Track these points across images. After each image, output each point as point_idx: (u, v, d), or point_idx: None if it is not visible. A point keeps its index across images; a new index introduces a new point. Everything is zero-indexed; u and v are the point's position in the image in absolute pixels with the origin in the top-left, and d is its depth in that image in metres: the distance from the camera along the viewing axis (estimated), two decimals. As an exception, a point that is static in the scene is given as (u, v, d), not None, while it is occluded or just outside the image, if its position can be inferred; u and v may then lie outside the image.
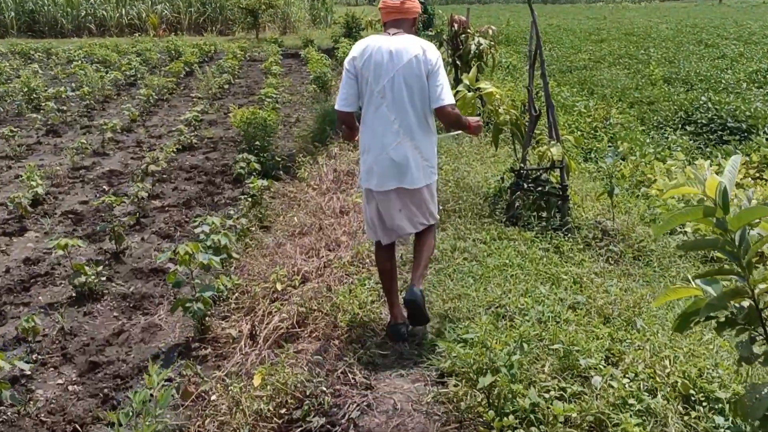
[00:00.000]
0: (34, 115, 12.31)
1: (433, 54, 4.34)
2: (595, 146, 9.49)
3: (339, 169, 8.04)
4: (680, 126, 10.54)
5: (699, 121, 10.43)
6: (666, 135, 10.26)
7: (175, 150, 10.58)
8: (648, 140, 9.47)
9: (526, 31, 30.60)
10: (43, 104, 13.29)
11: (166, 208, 8.23)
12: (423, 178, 4.39)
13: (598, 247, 5.52)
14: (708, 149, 9.30)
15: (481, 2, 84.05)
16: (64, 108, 13.22)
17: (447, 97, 4.28)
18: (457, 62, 9.82)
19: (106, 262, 6.61)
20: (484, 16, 44.17)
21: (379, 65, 4.28)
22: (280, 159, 9.55)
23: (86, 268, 5.78)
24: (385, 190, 4.38)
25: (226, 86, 17.34)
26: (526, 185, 6.11)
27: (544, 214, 6.01)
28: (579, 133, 10.03)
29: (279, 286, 5.15)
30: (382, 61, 4.27)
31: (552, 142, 5.74)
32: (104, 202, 6.97)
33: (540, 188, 6.13)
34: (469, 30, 9.74)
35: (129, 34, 31.18)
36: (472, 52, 9.37)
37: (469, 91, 5.57)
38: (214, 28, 35.02)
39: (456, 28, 9.80)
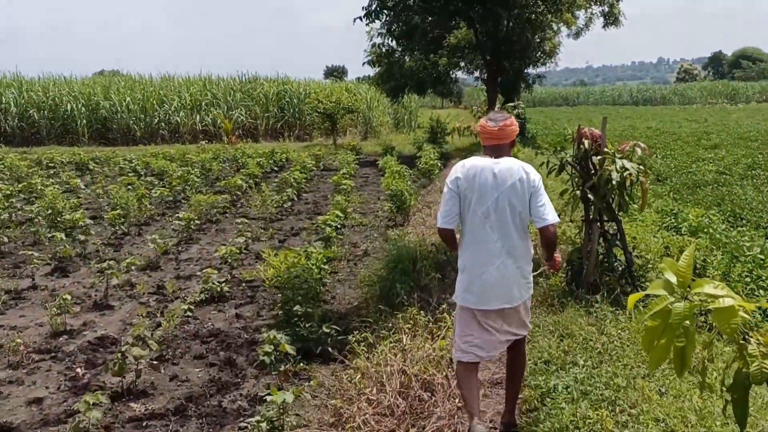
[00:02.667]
0: (30, 252, 9.83)
1: (535, 176, 4.46)
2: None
3: (410, 372, 5.07)
4: None
5: None
6: None
7: (192, 306, 7.89)
8: None
9: (625, 135, 27.45)
10: (52, 234, 10.86)
11: (146, 423, 5.38)
12: (522, 295, 4.50)
13: None
14: None
15: (570, 105, 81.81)
16: (81, 238, 10.75)
17: (551, 216, 4.39)
18: (589, 195, 6.79)
19: None
20: (573, 119, 41.37)
21: (483, 186, 4.41)
22: (328, 330, 6.64)
23: None
24: (486, 309, 4.46)
25: (289, 204, 14.78)
26: None
27: None
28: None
29: None
30: (487, 182, 4.40)
31: None
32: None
33: None
34: (606, 149, 6.74)
35: (204, 141, 29.57)
36: (614, 180, 6.37)
37: (680, 299, 2.61)
38: (291, 134, 33.37)
39: (587, 146, 6.80)
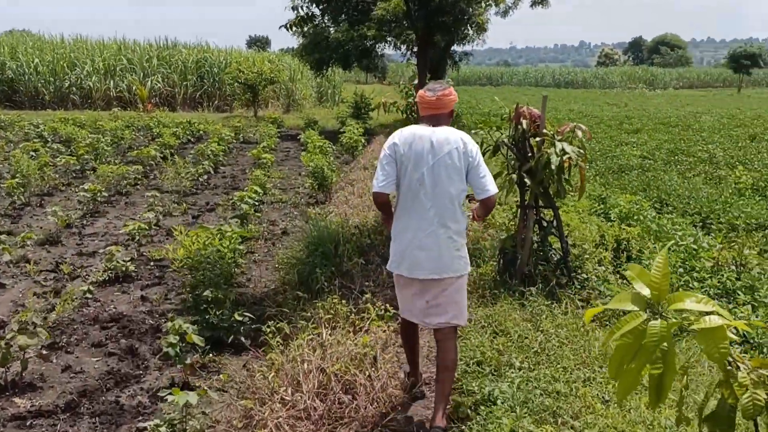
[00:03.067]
0: None
1: (473, 146, 4.45)
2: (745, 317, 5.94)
3: (329, 371, 4.57)
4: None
5: None
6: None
7: (92, 286, 7.22)
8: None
9: (547, 118, 27.18)
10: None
11: (30, 422, 4.76)
12: (454, 268, 4.42)
13: None
14: None
15: (494, 84, 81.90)
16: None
17: (492, 187, 4.41)
18: (525, 179, 6.42)
19: None
20: (499, 99, 41.44)
21: (419, 154, 4.38)
22: (241, 318, 6.09)
23: None
24: (415, 278, 4.43)
25: (205, 177, 14.04)
26: None
27: None
28: (704, 291, 6.51)
29: None
30: (423, 149, 4.38)
31: None
32: None
33: None
34: (545, 130, 6.33)
35: (118, 108, 28.19)
36: (553, 164, 6.00)
37: (654, 317, 2.21)
38: (210, 104, 32.12)
39: (524, 126, 6.38)
